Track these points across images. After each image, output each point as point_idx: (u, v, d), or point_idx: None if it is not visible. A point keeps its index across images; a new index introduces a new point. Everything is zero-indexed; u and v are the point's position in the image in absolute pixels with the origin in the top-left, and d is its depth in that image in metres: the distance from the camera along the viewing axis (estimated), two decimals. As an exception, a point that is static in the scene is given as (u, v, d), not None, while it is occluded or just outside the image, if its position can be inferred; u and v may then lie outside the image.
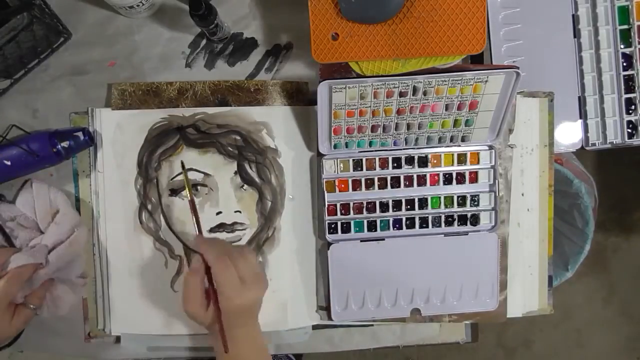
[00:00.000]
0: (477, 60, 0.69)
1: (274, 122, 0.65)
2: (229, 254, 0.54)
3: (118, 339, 0.66)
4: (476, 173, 0.65)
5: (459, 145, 0.64)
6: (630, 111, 0.70)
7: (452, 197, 0.65)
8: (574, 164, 0.95)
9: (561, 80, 0.70)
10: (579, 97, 0.71)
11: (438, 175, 0.65)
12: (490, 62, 0.69)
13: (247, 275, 0.53)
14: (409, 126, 0.62)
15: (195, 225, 0.58)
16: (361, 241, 0.65)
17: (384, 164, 0.64)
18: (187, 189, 0.60)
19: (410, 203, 0.65)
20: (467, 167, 0.65)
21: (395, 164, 0.64)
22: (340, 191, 0.64)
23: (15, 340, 0.63)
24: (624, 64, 0.69)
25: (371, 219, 0.65)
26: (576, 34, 0.70)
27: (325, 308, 0.66)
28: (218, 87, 0.65)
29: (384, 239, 0.65)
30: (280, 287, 0.65)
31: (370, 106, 0.59)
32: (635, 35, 0.68)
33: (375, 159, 0.64)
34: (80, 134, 0.62)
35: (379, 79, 0.57)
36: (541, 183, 0.68)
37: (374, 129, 0.62)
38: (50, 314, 0.61)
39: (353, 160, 0.64)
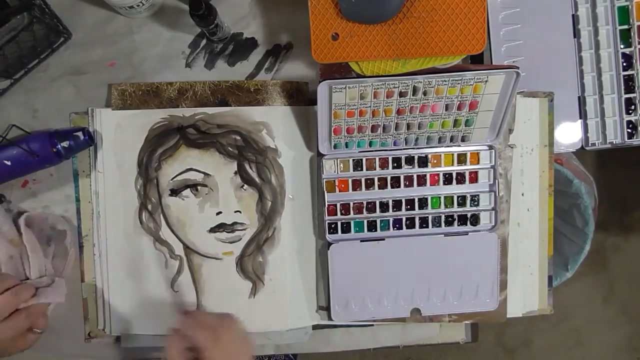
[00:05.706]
0: (477, 60, 0.69)
1: (274, 122, 0.65)
2: (214, 329, 0.51)
3: (118, 339, 0.66)
4: (476, 173, 0.65)
5: (459, 145, 0.64)
6: (630, 111, 0.70)
7: (452, 197, 0.65)
8: (574, 164, 0.95)
9: (561, 80, 0.70)
10: (579, 97, 0.71)
11: (438, 175, 0.65)
12: (490, 62, 0.69)
13: (237, 348, 0.52)
14: (409, 126, 0.62)
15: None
16: (361, 241, 0.65)
17: (384, 164, 0.64)
18: None
19: (410, 203, 0.65)
20: (467, 167, 0.65)
21: (395, 164, 0.64)
22: (340, 191, 0.64)
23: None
24: (624, 64, 0.69)
25: (371, 219, 0.65)
26: (576, 34, 0.70)
27: (325, 308, 0.66)
28: (218, 87, 0.65)
29: (384, 239, 0.65)
30: (280, 288, 0.65)
31: (370, 106, 0.59)
32: (635, 35, 0.68)
33: (375, 159, 0.64)
34: (80, 133, 0.62)
35: (379, 79, 0.57)
36: (541, 183, 0.68)
37: (374, 129, 0.62)
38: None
39: (353, 160, 0.64)
